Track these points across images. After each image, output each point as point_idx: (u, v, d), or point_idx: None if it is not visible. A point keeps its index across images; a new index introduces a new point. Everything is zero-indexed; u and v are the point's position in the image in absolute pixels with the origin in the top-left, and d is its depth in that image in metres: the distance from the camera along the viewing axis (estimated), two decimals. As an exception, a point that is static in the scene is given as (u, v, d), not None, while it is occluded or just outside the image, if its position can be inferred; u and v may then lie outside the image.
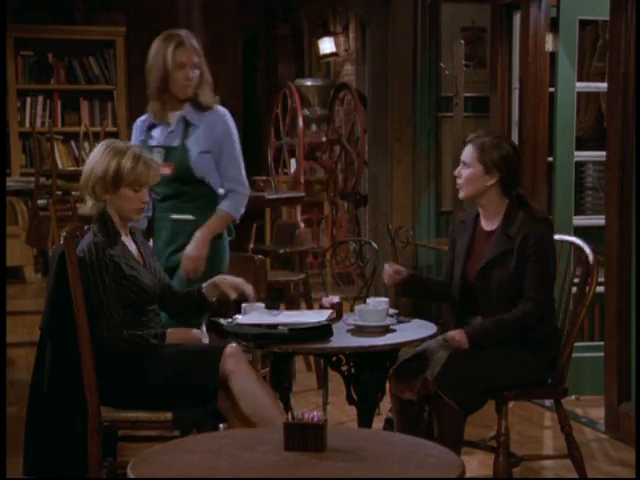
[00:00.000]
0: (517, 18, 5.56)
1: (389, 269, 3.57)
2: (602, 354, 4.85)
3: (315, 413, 2.05)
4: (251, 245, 5.37)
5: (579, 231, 5.45)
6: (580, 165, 5.94)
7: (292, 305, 5.77)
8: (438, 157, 6.91)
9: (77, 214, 8.59)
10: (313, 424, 2.02)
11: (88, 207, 3.42)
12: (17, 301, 7.45)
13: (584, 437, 4.67)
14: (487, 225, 3.61)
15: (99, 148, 3.40)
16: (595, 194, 6.41)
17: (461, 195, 3.62)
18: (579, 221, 5.45)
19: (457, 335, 3.43)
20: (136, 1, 9.36)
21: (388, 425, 3.82)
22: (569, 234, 5.31)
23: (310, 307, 5.81)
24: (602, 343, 4.95)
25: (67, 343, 3.25)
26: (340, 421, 4.72)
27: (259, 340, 3.15)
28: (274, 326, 3.17)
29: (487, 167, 3.52)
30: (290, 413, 2.05)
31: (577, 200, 5.76)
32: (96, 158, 3.35)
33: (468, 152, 3.57)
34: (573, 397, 5.15)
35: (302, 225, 7.08)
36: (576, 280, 3.79)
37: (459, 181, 3.59)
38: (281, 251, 5.90)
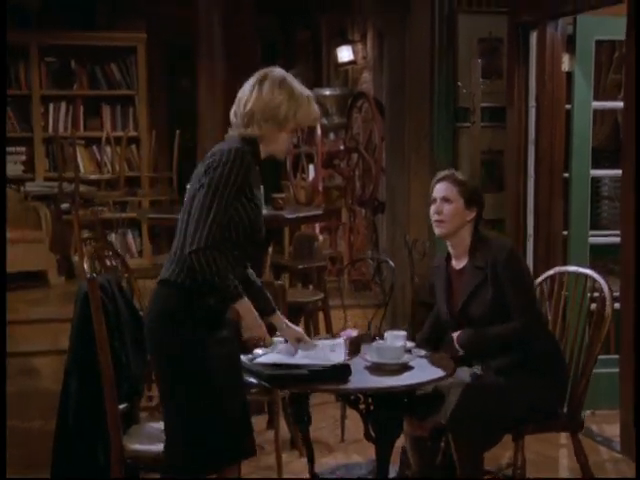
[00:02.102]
0: (534, 37, 5.51)
1: None
2: (617, 369, 4.82)
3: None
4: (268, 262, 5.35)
5: (594, 248, 5.45)
6: (597, 180, 5.89)
7: (311, 319, 5.77)
8: (455, 168, 6.84)
9: (99, 219, 8.65)
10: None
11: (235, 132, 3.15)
12: (40, 308, 7.48)
13: (599, 457, 4.66)
14: (457, 264, 3.67)
15: (274, 80, 3.13)
16: (611, 204, 6.36)
17: (441, 232, 3.63)
18: (595, 239, 5.43)
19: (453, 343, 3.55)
20: (156, 8, 9.35)
21: (404, 456, 3.82)
22: (585, 250, 5.37)
23: (329, 323, 5.81)
24: (617, 357, 4.91)
25: (91, 379, 3.26)
26: (357, 438, 4.72)
27: (278, 381, 3.14)
28: (293, 366, 3.16)
29: (467, 202, 3.59)
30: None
31: (593, 210, 5.72)
32: (274, 89, 3.10)
33: (446, 188, 3.61)
34: (588, 412, 5.12)
35: (320, 237, 7.06)
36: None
37: (439, 217, 3.60)
38: (300, 267, 5.89)
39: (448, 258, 3.72)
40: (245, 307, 3.06)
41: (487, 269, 3.52)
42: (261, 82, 3.15)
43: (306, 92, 3.18)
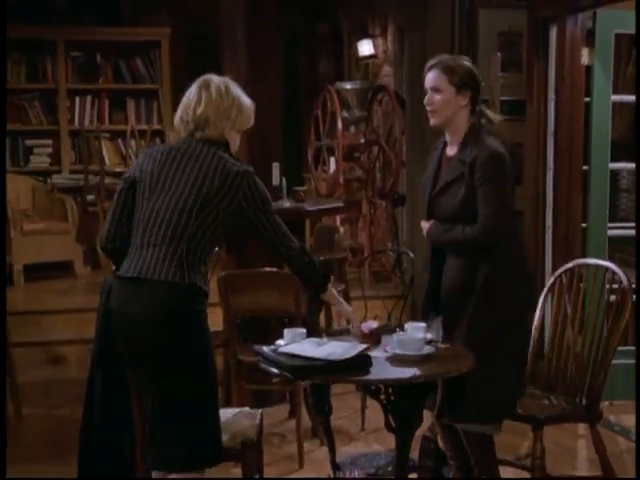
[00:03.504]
0: (553, 31, 5.46)
1: None
2: (634, 361, 4.79)
3: (356, 473, 2.03)
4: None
5: (613, 240, 5.42)
6: (616, 173, 5.85)
7: (331, 312, 5.76)
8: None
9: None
10: (353, 484, 2.01)
11: (209, 133, 3.21)
12: (67, 298, 7.51)
13: (617, 447, 4.63)
14: (449, 151, 3.54)
15: (219, 85, 3.26)
16: (630, 196, 6.32)
17: (435, 122, 3.50)
18: (613, 231, 5.40)
19: (427, 226, 3.52)
20: (180, 3, 9.35)
21: (425, 444, 3.82)
22: (603, 243, 5.34)
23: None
24: (634, 348, 4.88)
25: (117, 371, 3.25)
26: (377, 427, 4.71)
27: (299, 372, 3.14)
28: (314, 358, 3.15)
29: (458, 87, 3.43)
30: (332, 473, 2.03)
31: (612, 202, 5.68)
32: (221, 93, 3.23)
33: (435, 77, 3.44)
34: (606, 402, 5.09)
35: (341, 229, 7.05)
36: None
37: (430, 108, 3.47)
38: (321, 258, 5.86)
39: (445, 143, 3.59)
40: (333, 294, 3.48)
41: (467, 165, 3.39)
42: (207, 87, 3.25)
43: (246, 98, 3.33)
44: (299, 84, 10.57)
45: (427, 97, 3.48)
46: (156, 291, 3.04)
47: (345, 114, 8.06)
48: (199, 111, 3.20)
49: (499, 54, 5.64)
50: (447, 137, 3.56)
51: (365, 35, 8.72)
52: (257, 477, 3.58)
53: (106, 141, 9.18)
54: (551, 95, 5.56)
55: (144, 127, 9.03)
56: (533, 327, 3.82)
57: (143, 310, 3.04)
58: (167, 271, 3.05)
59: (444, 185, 3.47)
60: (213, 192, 3.10)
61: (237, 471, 3.69)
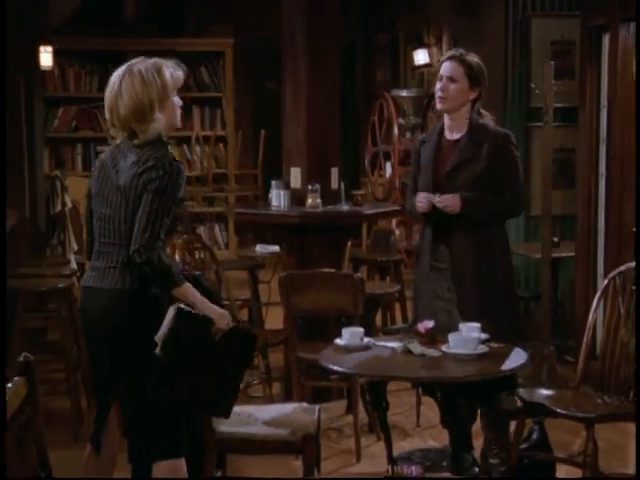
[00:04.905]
0: (606, 39, 5.39)
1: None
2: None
3: (413, 467, 2.03)
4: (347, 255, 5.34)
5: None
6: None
7: (388, 310, 5.75)
8: (527, 165, 6.75)
9: (189, 213, 8.74)
10: (412, 479, 2.00)
11: (141, 138, 3.01)
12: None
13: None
14: (452, 135, 3.72)
15: (132, 78, 3.03)
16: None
17: (443, 107, 3.70)
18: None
19: (451, 199, 3.60)
20: (243, 15, 9.43)
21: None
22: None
23: (405, 313, 5.79)
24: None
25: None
26: (432, 424, 4.69)
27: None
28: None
29: (472, 82, 3.63)
30: (390, 468, 2.02)
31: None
32: (137, 86, 3.01)
33: (453, 68, 3.64)
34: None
35: (396, 231, 7.03)
36: None
37: (443, 95, 3.64)
38: (377, 259, 5.88)
39: (441, 132, 3.76)
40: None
41: (484, 146, 3.62)
42: (121, 84, 3.05)
43: (148, 63, 3.08)
44: (356, 92, 10.57)
45: (441, 84, 3.66)
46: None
47: (401, 121, 8.06)
48: (124, 112, 3.01)
49: (552, 63, 5.58)
50: (447, 123, 3.73)
51: (421, 45, 8.70)
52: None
53: (173, 146, 9.26)
54: (603, 102, 5.48)
55: (208, 133, 9.12)
56: (587, 328, 3.79)
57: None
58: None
59: (458, 163, 3.66)
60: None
61: (297, 464, 3.70)
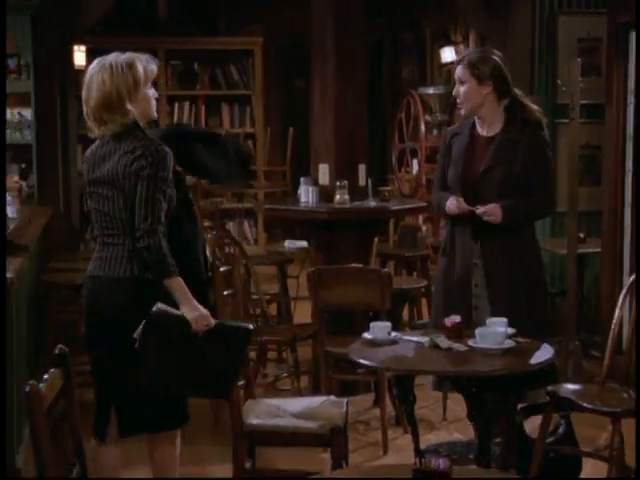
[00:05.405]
0: (633, 36, 5.34)
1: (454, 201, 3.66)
2: None
3: (440, 460, 2.02)
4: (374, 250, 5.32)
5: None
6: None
7: (415, 305, 5.75)
8: (553, 162, 6.71)
9: (219, 209, 8.77)
10: (439, 471, 2.00)
11: (111, 128, 3.10)
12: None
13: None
14: (486, 132, 3.70)
15: (102, 72, 3.11)
16: None
17: (463, 112, 3.73)
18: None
19: (493, 209, 3.56)
20: (273, 15, 9.44)
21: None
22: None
23: (431, 308, 5.76)
24: None
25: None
26: (458, 417, 4.68)
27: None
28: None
29: (480, 79, 3.61)
30: (417, 460, 2.02)
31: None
32: (106, 79, 3.09)
33: (459, 71, 3.67)
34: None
35: (423, 227, 7.02)
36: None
37: (459, 99, 3.68)
38: (404, 255, 5.87)
39: (472, 126, 3.74)
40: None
41: (520, 144, 3.59)
42: (92, 77, 3.13)
43: (120, 57, 3.15)
44: (383, 89, 10.55)
45: (455, 90, 3.71)
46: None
47: (428, 118, 8.03)
48: (96, 103, 3.10)
49: (579, 60, 5.54)
50: (477, 121, 3.72)
51: (447, 42, 8.67)
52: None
53: (203, 145, 9.30)
54: (630, 99, 5.44)
55: (238, 130, 9.14)
56: (613, 323, 3.77)
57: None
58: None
59: (492, 164, 3.62)
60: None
61: (326, 456, 3.71)
